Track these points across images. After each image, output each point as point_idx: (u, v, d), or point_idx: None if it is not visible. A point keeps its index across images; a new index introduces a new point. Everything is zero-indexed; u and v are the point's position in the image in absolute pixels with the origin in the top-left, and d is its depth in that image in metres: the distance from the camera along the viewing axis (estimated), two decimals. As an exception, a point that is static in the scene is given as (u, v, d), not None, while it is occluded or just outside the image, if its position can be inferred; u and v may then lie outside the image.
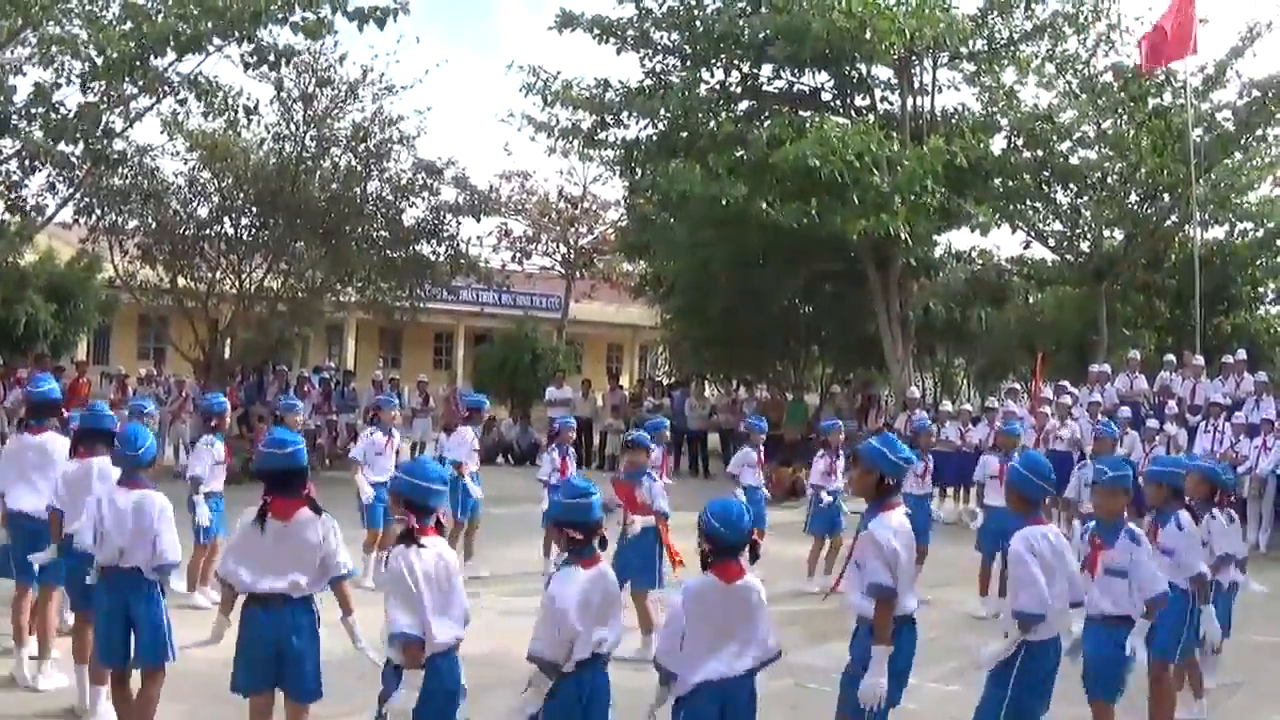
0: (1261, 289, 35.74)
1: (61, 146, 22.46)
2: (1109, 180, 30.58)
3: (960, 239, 35.03)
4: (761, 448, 17.11)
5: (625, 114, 29.22)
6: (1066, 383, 24.92)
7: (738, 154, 25.78)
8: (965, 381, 46.94)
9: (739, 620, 6.69)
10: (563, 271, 45.94)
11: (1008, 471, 8.26)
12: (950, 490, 23.95)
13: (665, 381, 37.80)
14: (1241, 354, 24.79)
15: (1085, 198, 31.48)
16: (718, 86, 29.41)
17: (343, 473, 18.81)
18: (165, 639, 8.29)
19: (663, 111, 28.13)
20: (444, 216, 30.39)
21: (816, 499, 16.15)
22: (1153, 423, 21.56)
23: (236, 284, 29.23)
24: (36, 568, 9.72)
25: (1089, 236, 32.82)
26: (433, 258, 30.56)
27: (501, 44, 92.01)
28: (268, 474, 7.77)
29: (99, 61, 21.33)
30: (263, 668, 7.54)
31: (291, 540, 7.59)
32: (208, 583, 12.88)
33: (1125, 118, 28.95)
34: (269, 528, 7.60)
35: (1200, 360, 24.49)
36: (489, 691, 8.56)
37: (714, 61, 29.26)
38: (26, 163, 23.58)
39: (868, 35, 25.34)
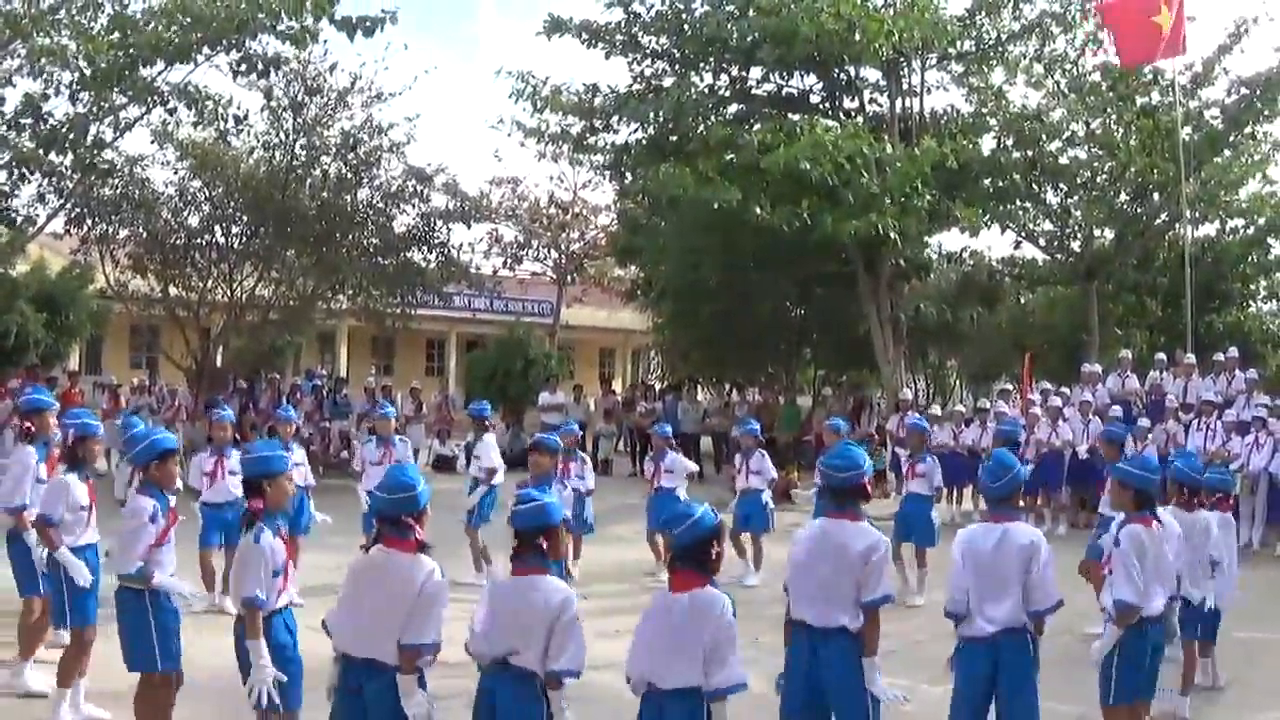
0: (1252, 286, 35.86)
1: (51, 157, 22.46)
2: (1098, 179, 30.68)
3: (951, 240, 35.16)
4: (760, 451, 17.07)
5: (615, 118, 29.22)
6: (1049, 386, 24.99)
7: (728, 157, 25.78)
8: (958, 383, 46.95)
9: (678, 633, 6.50)
10: (554, 277, 45.89)
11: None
12: (943, 491, 23.96)
13: (658, 385, 37.81)
14: (1233, 352, 24.83)
15: (1075, 197, 31.54)
16: (707, 90, 29.40)
17: (336, 480, 18.85)
18: (149, 648, 8.25)
19: (653, 116, 28.12)
20: (434, 223, 30.41)
21: None
22: (1144, 422, 21.58)
23: (228, 293, 29.21)
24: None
25: (1079, 236, 32.89)
26: (424, 264, 30.57)
27: (479, 50, 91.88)
28: (244, 481, 7.84)
29: (88, 72, 21.37)
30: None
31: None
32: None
33: (1114, 117, 29.06)
34: (243, 537, 7.66)
35: (1192, 359, 24.52)
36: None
37: (703, 65, 29.27)
38: (16, 173, 23.58)
39: (856, 37, 25.34)
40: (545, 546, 6.70)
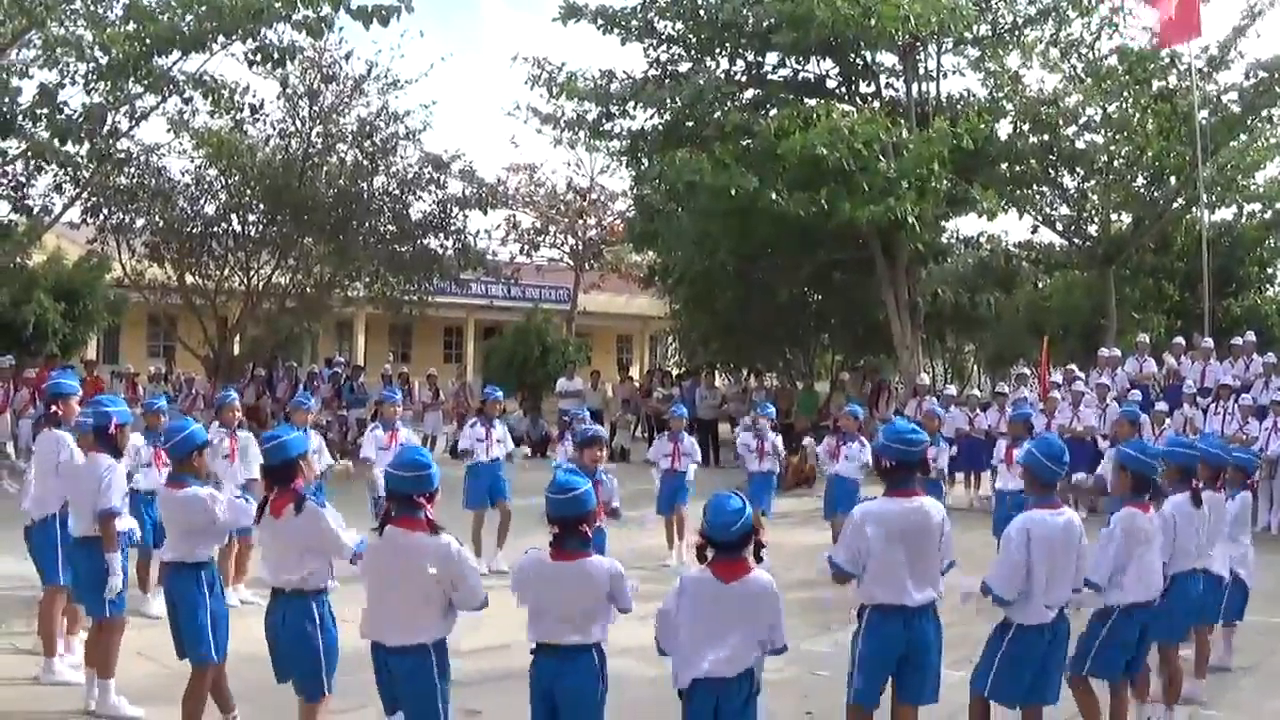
0: (1269, 270, 35.77)
1: (67, 147, 22.49)
2: (1115, 164, 30.53)
3: (968, 225, 35.05)
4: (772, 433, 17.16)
5: (631, 104, 29.18)
6: (1074, 367, 24.88)
7: (744, 143, 25.74)
8: (976, 367, 46.91)
9: (738, 620, 6.59)
10: (571, 263, 45.86)
11: (1023, 454, 8.30)
12: (960, 475, 23.95)
13: (675, 372, 37.79)
14: (1250, 336, 24.75)
15: (1092, 182, 31.45)
16: (723, 76, 29.35)
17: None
18: (203, 637, 8.28)
19: (669, 101, 28.08)
20: (451, 210, 30.51)
21: None
22: (1162, 406, 21.52)
23: (245, 281, 29.32)
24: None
25: (1096, 220, 32.83)
26: (440, 251, 30.64)
27: (483, 38, 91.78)
28: (264, 470, 7.86)
29: (104, 62, 21.40)
30: (276, 662, 7.69)
31: (283, 536, 7.63)
32: (240, 580, 12.91)
33: (1130, 101, 28.87)
34: (265, 523, 7.71)
35: (1209, 342, 24.47)
36: (500, 681, 8.57)
37: (719, 51, 29.25)
38: (33, 163, 23.64)
39: (872, 22, 25.25)
40: (587, 531, 6.80)
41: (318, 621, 7.57)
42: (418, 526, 6.81)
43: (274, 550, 7.75)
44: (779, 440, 17.16)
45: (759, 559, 6.69)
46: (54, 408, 10.58)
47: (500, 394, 17.73)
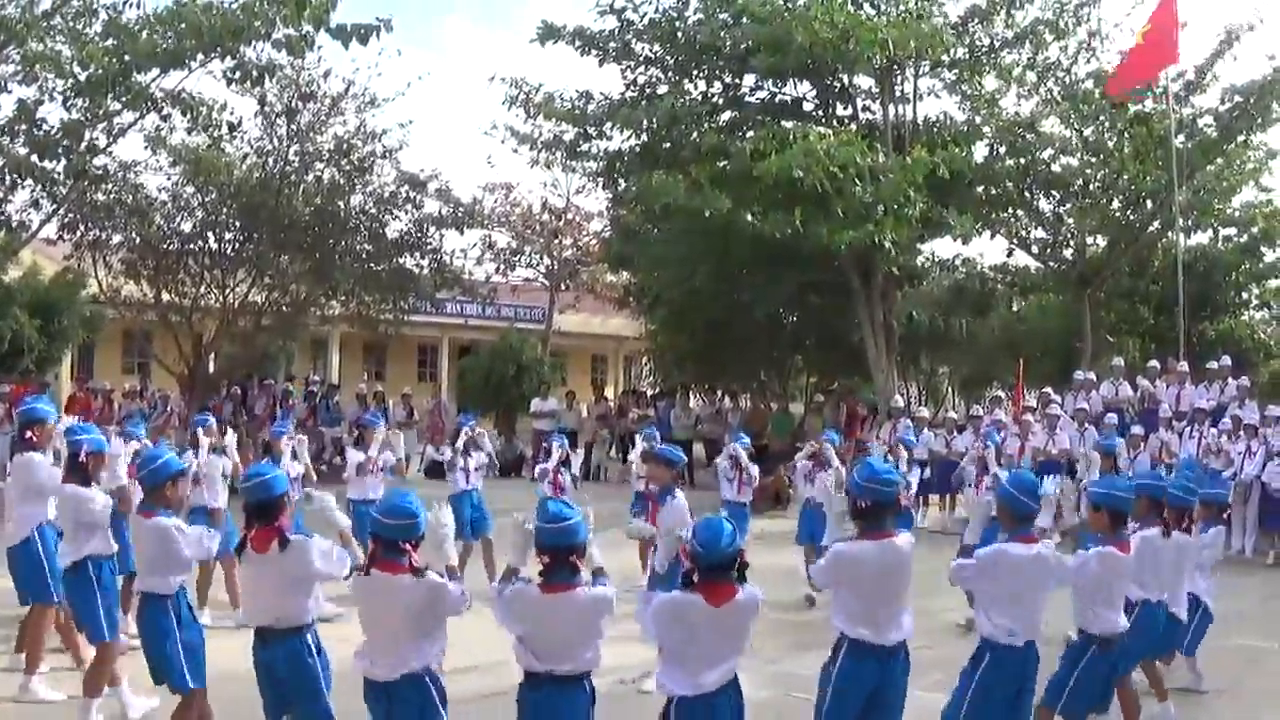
0: (1245, 294, 35.81)
1: (45, 163, 22.45)
2: (1091, 187, 30.56)
3: (943, 247, 34.87)
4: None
5: (608, 125, 29.17)
6: (1049, 390, 24.89)
7: (721, 165, 25.73)
8: (950, 390, 46.94)
9: (731, 641, 6.67)
10: (547, 283, 45.78)
11: (996, 488, 8.32)
12: (936, 498, 24.01)
13: (650, 392, 37.75)
14: (1225, 360, 24.86)
15: (1068, 205, 31.49)
16: (700, 97, 29.35)
17: (329, 488, 18.80)
18: (174, 666, 8.31)
19: (646, 123, 28.07)
20: (427, 229, 30.47)
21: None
22: (1137, 429, 21.57)
23: (220, 298, 29.21)
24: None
25: (1072, 244, 32.88)
26: (416, 270, 30.62)
27: (448, 53, 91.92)
28: (245, 507, 7.85)
29: (82, 78, 21.36)
30: (271, 702, 7.66)
31: (269, 573, 7.60)
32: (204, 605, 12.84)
33: (1107, 124, 28.95)
34: (247, 560, 7.70)
35: (1184, 366, 24.54)
36: (488, 701, 8.55)
37: (696, 73, 29.26)
38: (9, 179, 23.56)
39: (849, 45, 25.32)
40: (577, 562, 6.85)
41: (315, 652, 7.60)
42: (400, 570, 6.84)
43: (260, 588, 7.74)
44: (755, 470, 17.12)
45: (743, 579, 6.70)
46: (28, 434, 10.52)
47: (473, 422, 17.58)
